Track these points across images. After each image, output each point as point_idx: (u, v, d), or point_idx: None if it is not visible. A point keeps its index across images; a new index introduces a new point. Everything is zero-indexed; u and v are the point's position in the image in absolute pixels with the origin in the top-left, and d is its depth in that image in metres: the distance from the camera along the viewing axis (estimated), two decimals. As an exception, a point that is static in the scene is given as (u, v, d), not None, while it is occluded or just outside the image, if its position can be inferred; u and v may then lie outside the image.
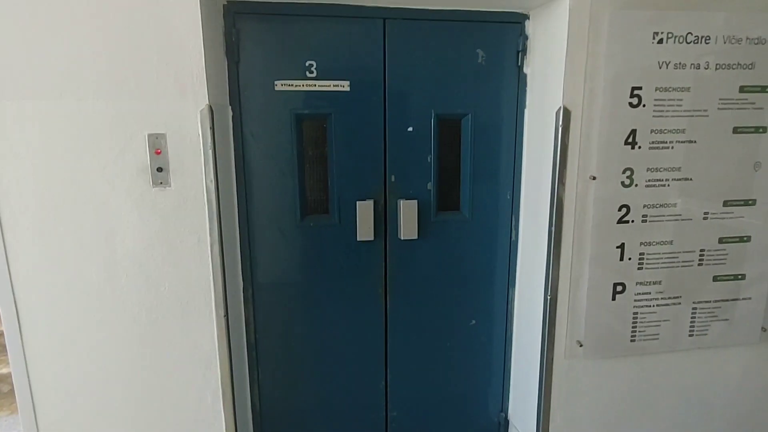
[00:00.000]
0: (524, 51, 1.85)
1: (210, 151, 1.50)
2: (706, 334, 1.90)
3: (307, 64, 1.74)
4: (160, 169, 1.48)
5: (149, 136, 1.46)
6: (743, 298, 1.90)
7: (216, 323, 1.61)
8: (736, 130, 1.75)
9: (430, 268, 1.97)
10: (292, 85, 1.74)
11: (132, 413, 1.64)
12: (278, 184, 1.81)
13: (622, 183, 1.72)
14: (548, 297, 1.78)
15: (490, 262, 2.02)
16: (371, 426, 2.08)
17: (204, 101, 1.47)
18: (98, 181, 1.47)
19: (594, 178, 1.70)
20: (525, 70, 1.87)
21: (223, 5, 1.65)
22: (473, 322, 2.06)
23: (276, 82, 1.73)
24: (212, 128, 1.49)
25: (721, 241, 1.83)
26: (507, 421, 2.16)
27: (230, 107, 1.71)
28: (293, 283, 1.90)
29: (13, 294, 1.49)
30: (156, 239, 1.53)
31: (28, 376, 1.55)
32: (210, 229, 1.54)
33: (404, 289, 1.97)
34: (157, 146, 1.47)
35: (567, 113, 1.65)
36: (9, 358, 1.53)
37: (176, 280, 1.57)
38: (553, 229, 1.73)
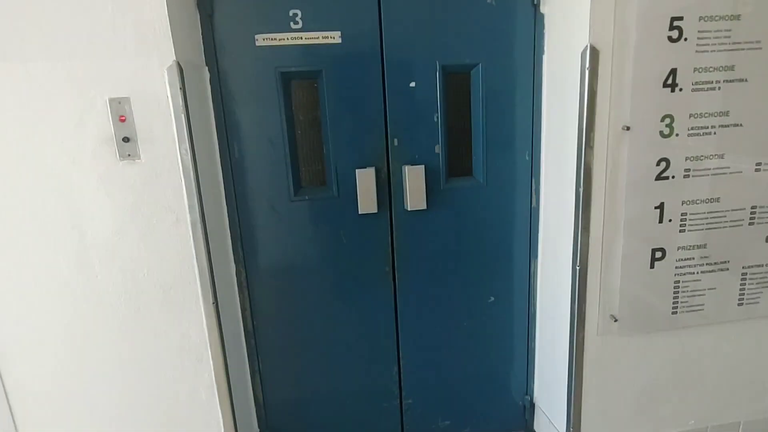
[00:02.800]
0: (540, -13, 1.60)
1: (182, 116, 1.30)
2: (758, 302, 1.68)
3: (291, 13, 1.52)
4: (126, 139, 1.29)
5: (111, 101, 1.27)
6: (800, 261, 1.66)
7: (204, 311, 1.44)
8: (794, 64, 1.49)
9: (441, 241, 1.77)
10: (276, 39, 1.53)
11: (119, 413, 1.50)
12: (267, 154, 1.61)
13: (661, 133, 1.48)
14: (577, 268, 1.57)
15: (509, 232, 1.81)
16: (385, 414, 1.92)
17: (170, 58, 1.26)
18: (58, 155, 1.29)
19: (628, 129, 1.47)
20: (542, 9, 1.63)
21: (191, -52, 1.43)
22: (492, 299, 1.87)
23: (257, 37, 1.52)
24: (183, 89, 1.29)
25: (775, 196, 1.59)
26: (533, 405, 1.98)
27: (207, 67, 1.51)
28: (292, 264, 1.72)
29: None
30: (129, 219, 1.35)
31: (2, 381, 1.41)
32: (189, 206, 1.36)
33: (414, 266, 1.78)
34: (120, 112, 1.27)
35: (595, 53, 1.41)
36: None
37: (156, 264, 1.39)
38: (581, 190, 1.51)
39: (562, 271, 1.66)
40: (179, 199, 1.35)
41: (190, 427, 1.52)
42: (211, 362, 1.48)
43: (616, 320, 1.62)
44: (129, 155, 1.30)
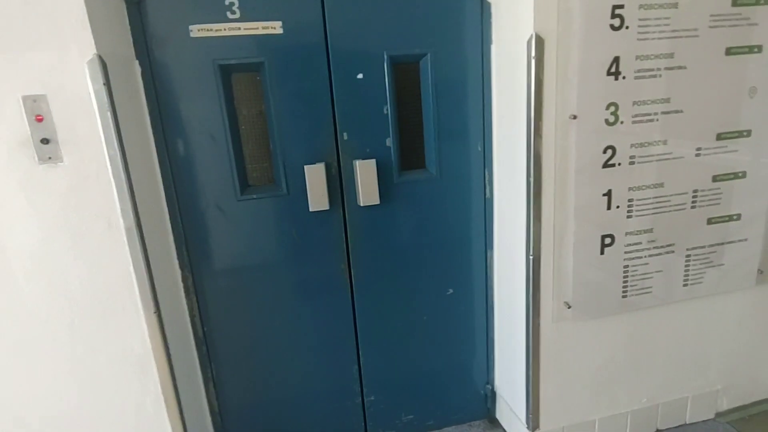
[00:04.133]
0: (486, -26, 1.58)
1: (108, 114, 1.20)
2: (701, 283, 1.74)
3: (227, 2, 1.43)
4: (45, 141, 1.18)
5: (24, 98, 1.16)
6: (739, 240, 1.73)
7: (146, 321, 1.36)
8: (729, 52, 1.54)
9: (397, 235, 1.74)
10: (212, 29, 1.44)
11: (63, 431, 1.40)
12: (210, 152, 1.53)
13: (606, 121, 1.50)
14: (530, 257, 1.58)
15: (464, 223, 1.80)
16: (347, 413, 1.89)
17: (91, 51, 1.16)
18: (-33, 160, 1.17)
19: (574, 117, 1.48)
20: (488, -2, 1.61)
21: (112, -70, 1.32)
22: (450, 291, 1.86)
23: (191, 27, 1.43)
24: (107, 85, 1.19)
25: (715, 179, 1.65)
26: (494, 393, 2.00)
27: (137, 61, 1.41)
28: (243, 266, 1.65)
29: None
30: (55, 228, 1.25)
31: None
32: (122, 210, 1.27)
33: (370, 262, 1.74)
34: (36, 111, 1.17)
35: (540, 42, 1.40)
36: None
37: (88, 274, 1.30)
38: (531, 180, 1.51)
39: (517, 261, 1.66)
40: (111, 204, 1.25)
41: (137, 443, 1.44)
42: (157, 373, 1.40)
43: (569, 306, 1.64)
44: (50, 158, 1.20)
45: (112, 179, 1.24)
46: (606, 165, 1.54)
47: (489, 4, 1.61)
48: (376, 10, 1.54)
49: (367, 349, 1.83)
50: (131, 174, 1.27)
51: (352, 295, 1.77)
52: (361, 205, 1.64)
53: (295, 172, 1.59)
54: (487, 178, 1.77)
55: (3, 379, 1.33)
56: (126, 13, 1.37)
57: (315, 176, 1.58)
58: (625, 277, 1.66)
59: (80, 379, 1.37)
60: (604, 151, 1.53)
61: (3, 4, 1.10)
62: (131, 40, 1.39)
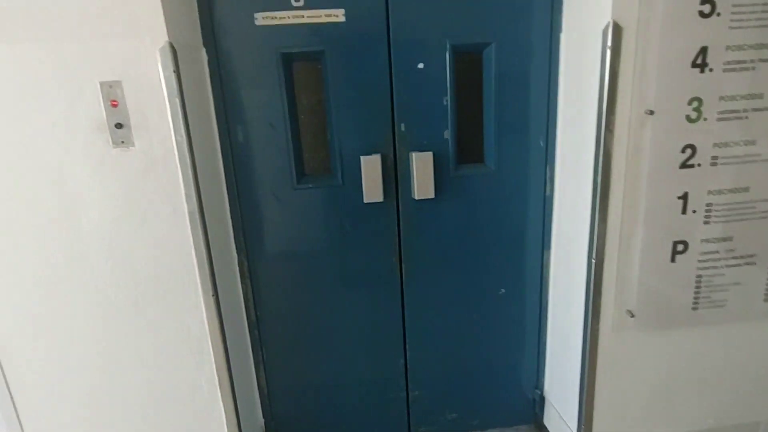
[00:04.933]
0: (560, -42, 1.49)
1: (177, 101, 1.24)
2: (785, 298, 1.59)
3: (292, -10, 1.43)
4: (119, 125, 1.23)
5: (102, 84, 1.21)
6: (833, 254, 1.56)
7: (204, 303, 1.40)
8: (837, 42, 1.37)
9: (450, 230, 1.70)
10: (276, 17, 1.44)
11: (119, 405, 1.47)
12: (269, 140, 1.54)
13: (688, 117, 1.38)
14: (593, 260, 1.49)
15: (521, 221, 1.73)
16: (391, 406, 1.89)
17: (163, 39, 1.19)
18: (50, 142, 1.23)
19: (651, 113, 1.37)
20: (561, -17, 1.51)
21: None
22: (502, 290, 1.80)
23: (256, 15, 1.44)
24: (177, 72, 1.22)
25: (809, 185, 1.48)
26: (543, 398, 1.93)
27: (204, 49, 1.43)
28: (296, 254, 1.67)
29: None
30: (124, 210, 1.30)
31: (3, 373, 1.39)
32: (186, 195, 1.30)
33: (421, 256, 1.71)
34: (112, 97, 1.21)
35: (618, 31, 1.30)
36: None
37: (153, 256, 1.35)
38: (599, 179, 1.42)
39: (577, 263, 1.58)
40: (176, 189, 1.29)
41: (192, 420, 1.50)
42: (212, 355, 1.45)
43: (632, 315, 1.54)
44: (122, 142, 1.25)
45: (178, 164, 1.28)
46: (684, 165, 1.42)
47: (561, -9, 1.51)
48: (441, -3, 1.49)
49: (414, 344, 1.81)
50: (196, 160, 1.30)
51: (402, 289, 1.75)
52: (416, 198, 1.61)
53: (351, 163, 1.58)
54: (548, 175, 1.69)
55: (69, 351, 1.41)
56: (196, 2, 1.40)
57: (371, 167, 1.56)
58: (697, 287, 1.54)
59: (139, 356, 1.44)
60: (683, 150, 1.41)
61: (85, -6, 1.15)
62: (200, 28, 1.41)
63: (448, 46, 1.52)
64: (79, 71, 1.19)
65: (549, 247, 1.76)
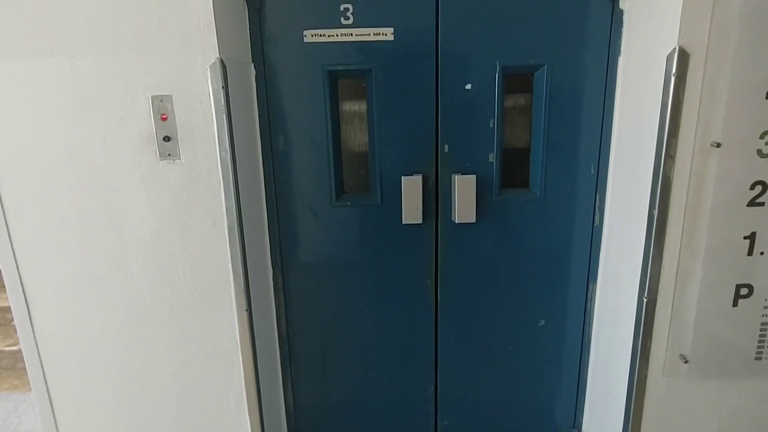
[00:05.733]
0: (621, -21, 1.42)
1: (224, 116, 1.24)
2: None
3: (342, 8, 1.42)
4: (167, 139, 1.25)
5: (153, 98, 1.23)
6: None
7: (237, 318, 1.39)
8: None
9: (490, 256, 1.64)
10: (325, 35, 1.44)
11: (149, 414, 1.48)
12: (310, 156, 1.53)
13: (759, 152, 1.27)
14: (645, 299, 1.39)
15: (566, 251, 1.65)
16: (418, 433, 1.82)
17: (214, 54, 1.20)
18: (100, 152, 1.27)
19: (718, 145, 1.27)
20: (621, 5, 1.44)
21: (241, -61, 1.36)
22: (542, 322, 1.71)
23: (305, 33, 1.44)
24: (225, 88, 1.23)
25: None
26: (580, 439, 1.82)
27: (253, 64, 1.45)
28: (330, 271, 1.65)
29: (20, 279, 1.35)
30: (166, 221, 1.32)
31: (45, 377, 1.43)
32: (227, 209, 1.31)
33: (458, 282, 1.65)
34: (162, 110, 1.23)
35: (684, 57, 1.22)
36: (23, 354, 1.41)
37: (191, 268, 1.35)
38: (655, 212, 1.33)
39: (626, 300, 1.48)
40: (217, 202, 1.30)
41: (218, 433, 1.49)
42: (242, 370, 1.44)
43: (686, 361, 1.43)
44: (169, 155, 1.26)
45: (221, 179, 1.28)
46: (752, 203, 1.31)
47: (622, 12, 1.44)
48: (493, 16, 1.44)
49: (446, 371, 1.75)
50: (238, 175, 1.30)
51: (436, 313, 1.69)
52: (456, 222, 1.56)
53: (391, 183, 1.55)
54: (597, 204, 1.60)
55: (107, 357, 1.43)
56: (247, 19, 1.41)
57: (411, 188, 1.53)
58: (762, 335, 1.41)
59: (171, 365, 1.44)
60: (752, 187, 1.30)
61: (143, 12, 1.17)
62: (249, 43, 1.43)
63: (498, 66, 1.47)
64: (132, 84, 1.22)
65: (595, 280, 1.66)
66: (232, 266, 1.34)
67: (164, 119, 1.24)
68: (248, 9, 1.41)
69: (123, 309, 1.39)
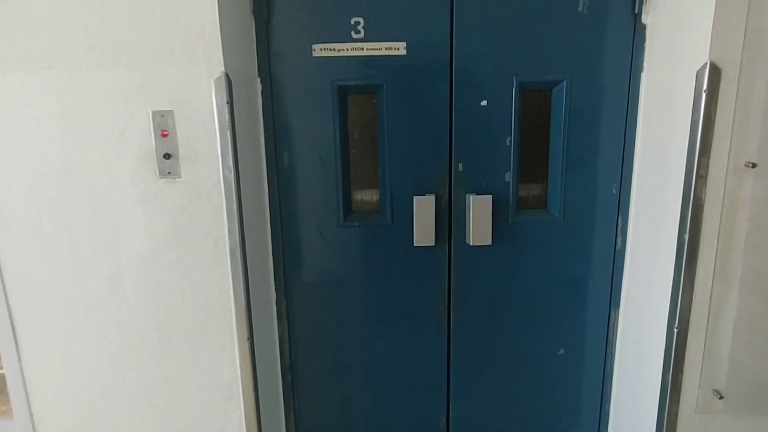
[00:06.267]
0: (644, -8, 1.36)
1: (228, 133, 1.18)
2: None
3: (353, 21, 1.37)
4: (167, 156, 1.18)
5: (154, 113, 1.16)
6: None
7: (238, 347, 1.30)
8: None
9: (506, 281, 1.55)
10: (334, 49, 1.38)
11: (143, 448, 1.38)
12: (318, 174, 1.46)
13: (798, 172, 1.19)
14: (675, 329, 1.29)
15: (586, 275, 1.56)
16: (429, 469, 1.71)
17: (219, 69, 1.14)
18: (96, 169, 1.20)
19: (753, 165, 1.19)
20: (644, 18, 1.38)
21: (250, -49, 1.32)
22: (561, 351, 1.61)
23: (314, 47, 1.38)
24: (230, 104, 1.16)
25: None
26: (602, 477, 1.69)
27: (259, 78, 1.39)
28: (337, 296, 1.56)
29: (7, 301, 1.27)
30: (165, 243, 1.24)
31: (29, 406, 1.34)
32: (229, 231, 1.23)
33: (472, 307, 1.56)
34: (163, 127, 1.17)
35: (715, 72, 1.15)
36: (7, 382, 1.32)
37: (190, 292, 1.27)
38: (686, 236, 1.24)
39: (653, 330, 1.38)
40: (219, 224, 1.22)
41: (215, 472, 1.39)
42: (242, 402, 1.34)
43: (721, 396, 1.32)
44: (169, 173, 1.19)
45: (224, 199, 1.21)
46: (791, 227, 1.22)
47: (644, 26, 1.38)
48: (510, 29, 1.38)
49: (458, 401, 1.64)
50: (242, 195, 1.23)
51: (449, 341, 1.60)
52: (471, 244, 1.47)
53: (402, 202, 1.47)
54: (620, 226, 1.52)
55: (100, 385, 1.34)
56: (254, 32, 1.36)
57: (423, 209, 1.45)
58: (803, 370, 1.30)
59: (168, 395, 1.35)
60: (791, 210, 1.21)
61: (145, 24, 1.12)
62: (256, 57, 1.37)
63: (515, 82, 1.41)
64: (132, 99, 1.16)
65: (617, 307, 1.57)
66: (234, 292, 1.26)
67: (165, 135, 1.17)
68: (255, 22, 1.36)
69: (116, 336, 1.30)
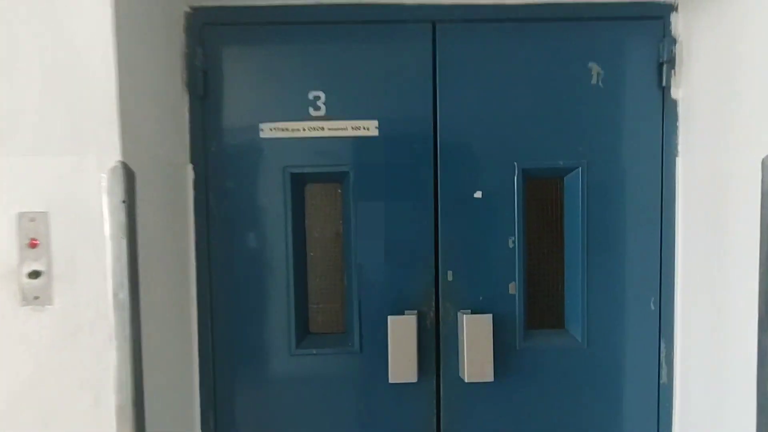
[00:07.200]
0: (671, 62, 1.10)
1: (123, 243, 0.84)
2: None
3: (311, 96, 1.10)
4: (35, 274, 0.84)
5: (20, 216, 0.84)
6: None
7: None
8: None
9: (515, 428, 1.15)
10: (288, 129, 1.10)
11: None
12: (264, 287, 1.12)
13: None
14: None
15: (620, 419, 1.16)
16: None
17: (114, 157, 0.84)
18: (-65, 294, 0.85)
19: None
20: (674, 93, 1.12)
21: (186, 13, 1.08)
22: None
23: (262, 126, 1.10)
24: (128, 202, 0.84)
25: None
26: None
27: (191, 165, 1.09)
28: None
29: None
30: (22, 397, 0.86)
31: None
32: (118, 382, 0.85)
33: (471, 465, 1.15)
34: (31, 234, 0.84)
35: (789, 160, 0.85)
36: None
37: (56, 471, 0.87)
38: (766, 370, 0.87)
39: None
40: (103, 372, 0.85)
41: None
42: None
43: None
44: (36, 298, 0.85)
45: (112, 335, 0.85)
46: None
47: (675, 102, 1.11)
48: (509, 106, 1.11)
49: None
50: (142, 328, 0.87)
51: None
52: (466, 380, 1.09)
53: (374, 323, 1.12)
54: (663, 353, 1.15)
55: None
56: (187, 109, 1.08)
57: (402, 332, 1.09)
58: None
59: None
60: None
61: (13, 96, 0.83)
62: (188, 141, 1.08)
63: (517, 169, 1.11)
64: (-10, 196, 0.84)
65: (668, 463, 1.16)
66: (120, 471, 0.86)
67: (34, 246, 0.84)
68: (189, 96, 1.08)
69: None
